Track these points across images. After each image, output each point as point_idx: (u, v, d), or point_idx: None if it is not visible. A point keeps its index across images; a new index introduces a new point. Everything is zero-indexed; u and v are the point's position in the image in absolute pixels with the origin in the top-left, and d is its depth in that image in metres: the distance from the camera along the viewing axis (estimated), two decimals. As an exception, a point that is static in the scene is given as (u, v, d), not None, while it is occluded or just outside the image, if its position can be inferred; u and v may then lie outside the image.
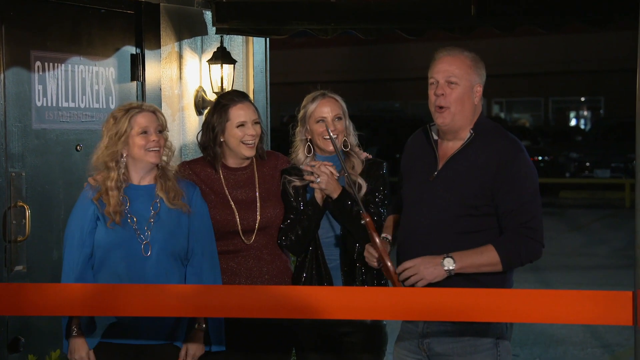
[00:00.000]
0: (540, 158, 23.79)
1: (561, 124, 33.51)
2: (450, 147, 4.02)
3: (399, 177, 4.22)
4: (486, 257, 3.86)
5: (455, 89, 3.97)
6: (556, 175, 23.05)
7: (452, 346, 3.94)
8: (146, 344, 4.25)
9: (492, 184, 3.90)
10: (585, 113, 35.14)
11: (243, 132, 4.52)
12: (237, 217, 4.52)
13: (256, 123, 4.56)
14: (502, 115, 34.29)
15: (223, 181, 4.58)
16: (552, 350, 8.14)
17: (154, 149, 4.23)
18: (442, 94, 3.97)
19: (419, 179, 4.05)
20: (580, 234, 16.07)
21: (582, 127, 33.42)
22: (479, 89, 4.02)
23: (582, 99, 34.62)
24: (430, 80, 4.04)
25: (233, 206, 4.54)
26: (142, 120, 4.23)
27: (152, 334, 4.24)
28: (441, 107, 3.98)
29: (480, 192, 3.90)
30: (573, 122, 34.92)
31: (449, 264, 3.84)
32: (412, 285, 3.85)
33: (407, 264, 3.91)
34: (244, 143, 4.53)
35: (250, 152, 4.55)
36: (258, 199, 4.56)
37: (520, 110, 35.62)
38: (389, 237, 4.15)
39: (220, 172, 4.59)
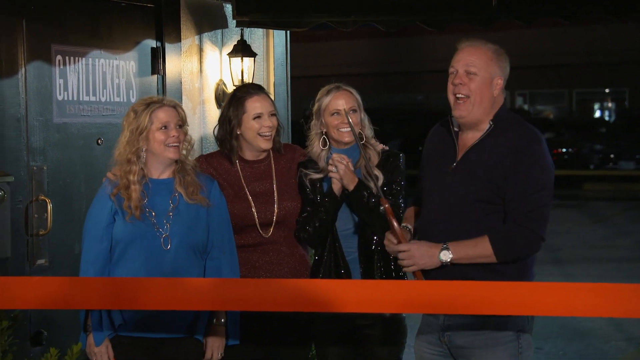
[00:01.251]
0: (564, 150, 23.67)
1: (585, 115, 33.28)
2: (469, 138, 4.01)
3: (420, 168, 4.21)
4: (480, 249, 3.84)
5: (474, 79, 3.95)
6: (580, 167, 22.92)
7: (472, 339, 3.92)
8: (165, 337, 4.26)
9: (506, 174, 3.87)
10: (610, 105, 34.90)
11: (260, 124, 4.51)
12: (254, 210, 4.51)
13: (272, 115, 4.54)
14: (526, 107, 34.11)
15: (240, 174, 4.57)
16: (575, 343, 8.09)
17: (173, 144, 4.22)
18: (460, 83, 3.96)
19: (438, 169, 4.04)
20: (604, 226, 15.98)
21: (607, 119, 33.19)
22: (499, 82, 3.98)
23: (607, 90, 34.39)
24: (451, 70, 4.02)
25: (250, 199, 4.53)
26: (162, 115, 4.22)
27: (171, 327, 4.24)
28: (459, 98, 3.96)
29: (495, 183, 3.88)
30: (597, 114, 34.69)
31: (445, 257, 3.86)
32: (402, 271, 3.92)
33: (402, 246, 3.93)
34: (260, 135, 4.51)
35: (267, 144, 4.54)
36: (275, 192, 4.55)
37: (543, 102, 35.43)
38: (410, 227, 4.14)
39: (238, 164, 4.58)
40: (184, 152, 4.29)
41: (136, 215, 4.18)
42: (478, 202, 3.89)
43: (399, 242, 3.97)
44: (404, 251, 3.92)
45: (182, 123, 4.27)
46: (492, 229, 3.86)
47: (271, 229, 4.52)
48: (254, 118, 4.51)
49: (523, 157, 3.86)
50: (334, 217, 4.48)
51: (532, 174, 3.86)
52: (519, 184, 3.85)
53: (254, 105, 4.53)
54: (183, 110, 4.31)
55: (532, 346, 3.98)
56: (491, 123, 3.97)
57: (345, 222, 4.51)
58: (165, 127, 4.21)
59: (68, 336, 5.30)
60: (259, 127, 4.51)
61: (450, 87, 4.00)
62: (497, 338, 3.90)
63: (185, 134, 4.29)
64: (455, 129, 4.08)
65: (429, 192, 4.08)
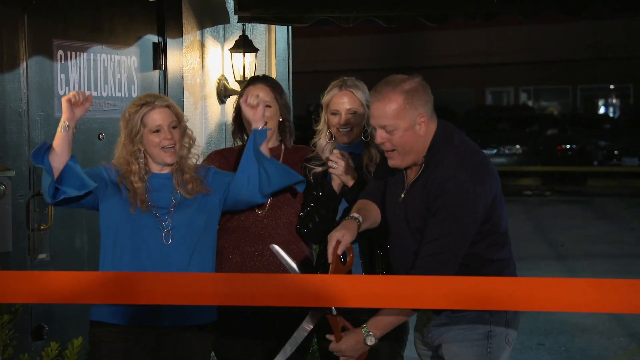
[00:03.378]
0: (568, 146, 23.65)
1: (590, 112, 33.24)
2: (414, 172, 3.92)
3: (378, 173, 4.15)
4: (397, 313, 3.85)
5: (394, 134, 3.79)
6: (584, 163, 22.91)
7: (443, 331, 3.95)
8: (169, 326, 4.24)
9: (428, 207, 3.79)
10: (614, 101, 34.84)
11: (252, 111, 4.38)
12: None
13: (268, 106, 4.49)
14: (530, 103, 34.06)
15: None
16: (577, 339, 8.08)
17: (168, 147, 4.18)
18: (382, 142, 3.83)
19: (392, 198, 3.98)
20: (608, 222, 15.97)
21: (611, 115, 33.13)
22: (422, 119, 3.80)
23: (611, 86, 34.33)
24: (372, 123, 3.89)
25: None
26: (155, 117, 4.17)
27: (175, 317, 4.22)
28: (389, 151, 3.85)
29: (423, 218, 3.81)
30: (602, 110, 34.64)
31: (370, 341, 3.86)
32: None
33: (331, 347, 3.96)
34: (254, 122, 4.39)
35: (257, 125, 4.38)
36: None
37: (548, 98, 35.37)
38: (360, 219, 4.01)
39: None
40: (186, 146, 4.26)
41: (142, 208, 4.17)
42: (415, 235, 3.84)
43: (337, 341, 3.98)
44: (337, 351, 3.94)
45: (176, 123, 4.21)
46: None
47: (267, 206, 4.49)
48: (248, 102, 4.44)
49: (441, 194, 3.74)
50: (334, 212, 4.46)
51: (446, 212, 3.73)
52: (432, 223, 3.76)
53: (249, 91, 4.50)
54: (177, 108, 4.25)
55: (504, 342, 3.95)
56: (423, 159, 3.84)
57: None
58: (158, 130, 4.18)
59: (69, 330, 5.31)
60: (252, 114, 4.39)
61: (378, 141, 3.86)
62: (466, 333, 3.90)
63: (184, 129, 4.26)
64: None
65: (389, 220, 4.03)
